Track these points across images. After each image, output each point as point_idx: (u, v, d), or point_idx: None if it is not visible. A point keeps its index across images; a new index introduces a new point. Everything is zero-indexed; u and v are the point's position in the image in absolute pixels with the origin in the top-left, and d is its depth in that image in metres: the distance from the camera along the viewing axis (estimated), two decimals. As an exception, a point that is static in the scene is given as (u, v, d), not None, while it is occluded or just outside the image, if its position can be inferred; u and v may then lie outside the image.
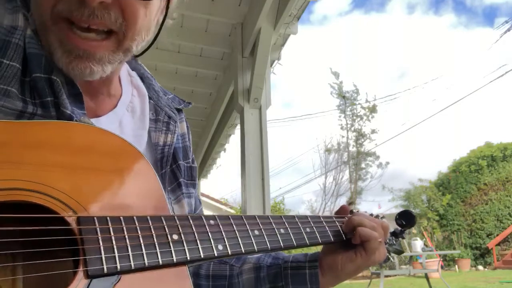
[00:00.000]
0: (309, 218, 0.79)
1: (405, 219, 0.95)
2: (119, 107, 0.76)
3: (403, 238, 0.98)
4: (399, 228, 0.96)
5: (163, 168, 0.77)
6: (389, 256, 0.96)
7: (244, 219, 0.68)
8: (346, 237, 0.82)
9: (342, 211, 0.90)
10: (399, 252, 0.99)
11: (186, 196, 0.83)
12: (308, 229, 0.76)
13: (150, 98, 0.83)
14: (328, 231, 0.80)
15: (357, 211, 0.90)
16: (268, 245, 0.68)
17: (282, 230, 0.72)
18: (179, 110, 0.90)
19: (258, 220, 0.70)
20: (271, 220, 0.72)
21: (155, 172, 0.62)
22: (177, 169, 0.81)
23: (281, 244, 0.70)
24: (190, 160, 0.89)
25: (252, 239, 0.66)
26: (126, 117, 0.77)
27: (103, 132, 0.59)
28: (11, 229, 0.46)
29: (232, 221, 0.66)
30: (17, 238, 0.48)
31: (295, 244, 0.72)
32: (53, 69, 0.62)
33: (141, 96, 0.82)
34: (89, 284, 0.48)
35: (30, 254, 0.50)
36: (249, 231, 0.67)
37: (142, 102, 0.81)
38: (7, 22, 0.60)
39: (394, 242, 0.97)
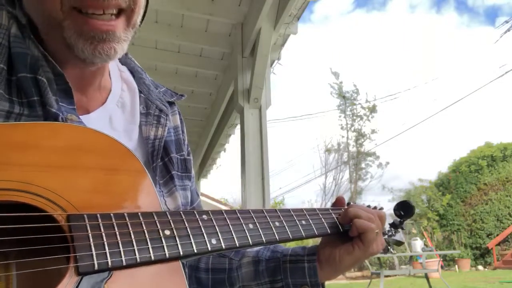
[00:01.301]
0: (304, 211, 0.79)
1: (404, 209, 0.94)
2: (109, 103, 0.76)
3: (402, 229, 0.97)
4: (398, 219, 0.95)
5: (154, 162, 0.77)
6: (389, 247, 0.95)
7: (238, 213, 0.68)
8: (343, 229, 0.82)
9: (338, 203, 0.90)
10: (399, 243, 0.97)
11: (181, 188, 0.82)
12: (303, 222, 0.76)
13: (140, 92, 0.83)
14: (325, 223, 0.80)
15: (354, 203, 0.89)
16: (263, 238, 0.67)
17: (277, 223, 0.71)
18: (171, 103, 0.89)
19: (252, 214, 0.69)
20: (266, 214, 0.71)
21: (145, 168, 0.62)
22: (169, 162, 0.81)
23: (276, 237, 0.70)
24: (185, 152, 0.88)
25: (247, 232, 0.66)
26: (116, 112, 0.77)
27: (91, 131, 0.59)
28: (0, 228, 0.46)
29: (225, 215, 0.66)
30: (7, 237, 0.48)
31: (290, 236, 0.72)
32: (39, 68, 0.62)
33: (131, 90, 0.82)
34: (80, 281, 0.48)
35: (21, 253, 0.50)
36: (243, 225, 0.66)
37: (132, 96, 0.81)
38: None
39: (394, 233, 0.96)
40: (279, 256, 0.85)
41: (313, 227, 0.77)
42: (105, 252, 0.51)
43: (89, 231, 0.51)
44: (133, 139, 0.76)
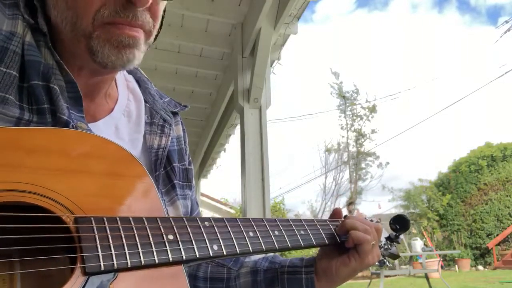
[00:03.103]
0: (303, 221, 0.81)
1: (399, 223, 0.95)
2: (116, 112, 0.78)
3: (398, 243, 0.99)
4: (394, 233, 0.97)
5: (157, 171, 0.78)
6: (384, 260, 0.96)
7: (239, 221, 0.70)
8: (340, 240, 0.83)
9: (336, 215, 0.91)
10: (395, 256, 0.99)
11: (181, 197, 0.84)
12: (302, 232, 0.78)
13: (145, 101, 0.85)
14: (322, 233, 0.82)
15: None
16: (263, 246, 0.69)
17: (276, 232, 0.73)
18: (175, 113, 0.91)
19: (253, 223, 0.71)
20: (265, 223, 0.73)
21: (150, 176, 0.63)
22: (172, 171, 0.82)
23: (276, 245, 0.71)
24: (186, 162, 0.89)
25: (247, 240, 0.68)
26: (122, 121, 0.78)
27: (98, 138, 0.61)
28: (8, 227, 0.47)
29: (226, 223, 0.68)
30: (15, 236, 0.49)
31: (289, 245, 0.74)
32: (51, 76, 0.63)
33: (137, 100, 0.84)
34: (86, 281, 0.49)
35: (28, 253, 0.51)
36: (244, 232, 0.68)
37: (138, 106, 0.83)
38: (6, 28, 0.60)
39: (390, 247, 0.98)
40: (277, 267, 0.86)
41: (311, 237, 0.79)
42: (111, 254, 0.52)
43: (96, 233, 0.53)
44: (137, 148, 0.78)
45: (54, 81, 0.63)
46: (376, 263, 0.89)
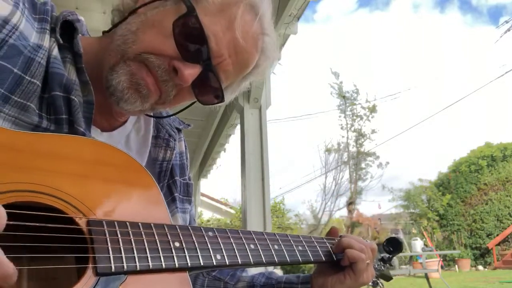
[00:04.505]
0: (301, 238, 0.83)
1: (393, 245, 0.97)
2: (128, 124, 0.82)
3: (390, 265, 1.01)
4: (387, 255, 0.99)
5: (160, 182, 0.82)
6: (378, 282, 0.98)
7: (241, 233, 0.72)
8: (336, 258, 0.85)
9: (332, 233, 0.93)
10: (388, 278, 1.01)
11: (181, 211, 0.87)
12: (300, 248, 0.80)
13: (153, 116, 0.88)
14: (319, 250, 0.84)
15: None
16: (263, 259, 0.71)
17: (276, 246, 0.76)
18: (179, 130, 0.95)
19: (254, 235, 0.74)
20: (266, 237, 0.76)
21: (158, 186, 0.66)
22: (173, 184, 0.86)
23: (275, 259, 0.73)
24: (187, 177, 0.93)
25: (248, 252, 0.70)
26: (132, 134, 0.83)
27: (110, 147, 0.63)
28: (23, 224, 0.49)
29: (229, 234, 0.70)
30: (29, 234, 0.50)
31: (288, 260, 0.75)
32: (72, 89, 0.65)
33: (146, 117, 0.87)
34: (97, 282, 0.51)
35: (39, 251, 0.53)
36: (245, 244, 0.71)
37: (147, 123, 0.86)
38: (34, 40, 0.63)
39: (383, 268, 1.00)
40: (273, 283, 0.89)
41: (309, 253, 0.81)
42: (121, 256, 0.54)
43: (108, 236, 0.54)
44: (144, 160, 0.82)
45: (74, 94, 0.65)
46: (370, 283, 0.91)
